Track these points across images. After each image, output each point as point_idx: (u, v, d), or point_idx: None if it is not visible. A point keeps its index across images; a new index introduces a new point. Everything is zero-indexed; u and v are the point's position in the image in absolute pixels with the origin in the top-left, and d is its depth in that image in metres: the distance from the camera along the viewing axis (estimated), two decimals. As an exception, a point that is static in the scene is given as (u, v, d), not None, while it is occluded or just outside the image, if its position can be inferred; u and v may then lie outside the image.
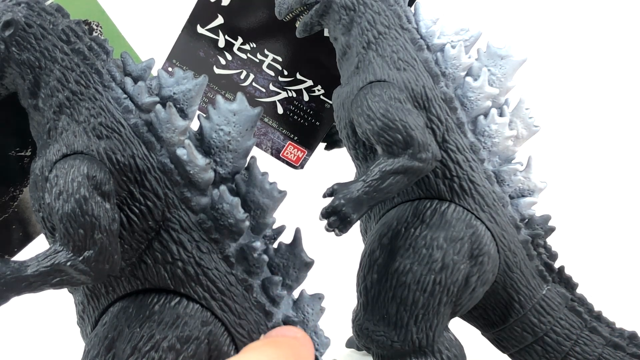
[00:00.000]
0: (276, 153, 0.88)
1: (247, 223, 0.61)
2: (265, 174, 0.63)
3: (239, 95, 0.63)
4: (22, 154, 0.65)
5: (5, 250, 0.67)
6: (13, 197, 0.66)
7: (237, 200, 0.60)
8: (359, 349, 0.98)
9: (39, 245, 0.66)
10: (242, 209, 0.61)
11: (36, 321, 1.07)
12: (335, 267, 0.97)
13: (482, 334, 0.80)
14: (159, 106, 0.60)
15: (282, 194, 0.63)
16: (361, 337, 0.74)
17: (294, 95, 0.87)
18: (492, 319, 0.77)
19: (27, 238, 0.68)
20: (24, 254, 0.65)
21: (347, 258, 0.91)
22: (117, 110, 0.60)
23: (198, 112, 0.64)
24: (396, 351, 0.72)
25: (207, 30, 0.84)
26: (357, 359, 0.97)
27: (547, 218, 0.76)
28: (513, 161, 0.75)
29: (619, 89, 1.58)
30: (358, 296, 0.75)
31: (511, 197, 0.75)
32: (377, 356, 0.75)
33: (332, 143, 0.92)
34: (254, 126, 0.63)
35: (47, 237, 0.61)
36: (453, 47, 0.74)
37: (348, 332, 0.81)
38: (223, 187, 0.60)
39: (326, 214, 0.66)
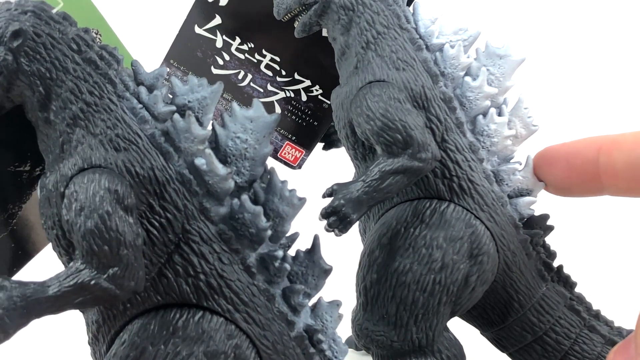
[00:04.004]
0: (274, 153, 0.88)
1: (269, 232, 0.59)
2: (284, 181, 0.61)
3: (255, 101, 0.61)
4: (21, 169, 0.63)
5: (4, 269, 0.64)
6: (12, 215, 0.63)
7: (259, 209, 0.59)
8: (357, 349, 0.98)
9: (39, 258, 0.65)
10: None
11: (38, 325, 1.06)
12: (335, 267, 0.97)
13: (482, 333, 0.80)
14: (176, 115, 0.58)
15: (302, 201, 0.61)
16: (361, 337, 0.74)
17: (292, 95, 0.87)
18: (492, 319, 0.77)
19: (27, 256, 0.66)
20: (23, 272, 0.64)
21: (347, 258, 0.90)
22: (133, 121, 0.58)
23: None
24: (396, 351, 0.72)
25: (204, 30, 0.84)
26: (356, 359, 0.97)
27: (545, 217, 0.76)
28: (512, 160, 0.75)
29: (618, 88, 1.58)
30: (357, 296, 0.75)
31: (510, 197, 0.75)
32: (376, 356, 0.75)
33: (330, 143, 0.92)
34: (272, 133, 0.61)
35: (60, 256, 0.59)
36: (452, 46, 0.74)
37: (347, 332, 0.81)
38: (245, 197, 0.59)
39: (326, 214, 0.66)
